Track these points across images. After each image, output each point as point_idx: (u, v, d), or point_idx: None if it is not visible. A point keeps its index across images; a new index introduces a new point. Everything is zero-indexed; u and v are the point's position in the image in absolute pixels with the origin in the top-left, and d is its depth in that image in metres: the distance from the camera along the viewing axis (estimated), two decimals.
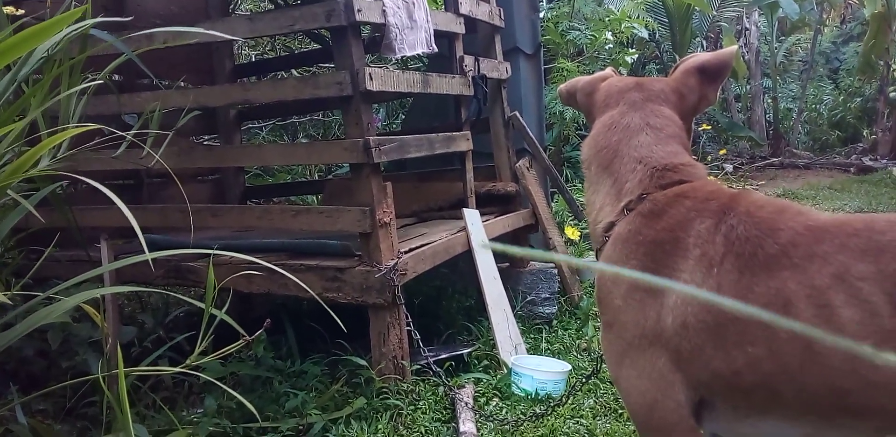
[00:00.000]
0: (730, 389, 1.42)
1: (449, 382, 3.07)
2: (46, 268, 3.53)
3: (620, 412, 2.92)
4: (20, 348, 2.97)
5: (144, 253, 2.04)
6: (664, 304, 1.46)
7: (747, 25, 12.80)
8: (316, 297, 2.42)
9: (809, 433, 1.43)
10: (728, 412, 1.48)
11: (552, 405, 2.92)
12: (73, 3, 2.46)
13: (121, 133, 2.38)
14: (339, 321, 2.24)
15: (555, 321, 4.09)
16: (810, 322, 1.31)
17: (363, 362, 3.00)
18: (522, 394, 3.13)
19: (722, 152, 10.56)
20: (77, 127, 2.06)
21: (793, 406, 1.38)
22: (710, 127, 10.73)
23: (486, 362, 3.44)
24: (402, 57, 3.38)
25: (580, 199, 4.95)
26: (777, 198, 1.66)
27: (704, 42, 11.26)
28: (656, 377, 1.48)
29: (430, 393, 3.06)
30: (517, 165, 4.35)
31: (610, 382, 3.09)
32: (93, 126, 2.10)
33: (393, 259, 3.02)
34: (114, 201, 2.01)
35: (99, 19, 2.21)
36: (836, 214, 1.50)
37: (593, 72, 2.05)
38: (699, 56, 1.78)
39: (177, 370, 2.11)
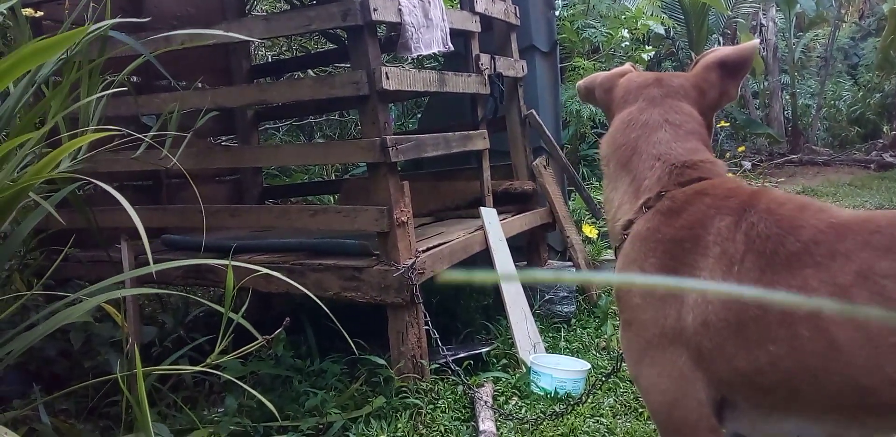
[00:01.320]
0: (751, 387, 1.41)
1: (468, 381, 3.07)
2: (68, 268, 3.57)
3: (641, 410, 2.90)
4: (43, 349, 3.00)
5: (165, 253, 2.06)
6: (684, 302, 1.45)
7: (764, 21, 12.71)
8: (318, 301, 2.42)
9: (832, 432, 1.42)
10: (750, 411, 1.46)
11: (572, 403, 2.91)
12: (91, 5, 2.48)
13: (139, 136, 2.40)
14: (340, 327, 2.24)
15: (573, 320, 4.08)
16: (832, 320, 1.30)
17: (382, 362, 3.00)
18: (542, 393, 3.12)
19: (740, 149, 10.49)
20: (97, 130, 2.08)
21: (815, 405, 1.36)
22: (728, 124, 10.67)
23: (504, 360, 3.44)
24: (419, 56, 3.38)
25: (597, 197, 4.94)
26: (797, 195, 1.65)
27: (721, 38, 11.18)
28: (677, 375, 1.47)
29: (449, 392, 3.06)
30: (534, 163, 4.34)
31: (630, 380, 3.07)
32: (112, 131, 2.11)
33: (411, 258, 3.02)
34: (133, 202, 2.02)
35: (117, 20, 2.23)
36: (857, 211, 1.48)
37: (609, 69, 2.03)
38: (720, 50, 1.75)
39: (197, 369, 2.12)
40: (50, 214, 2.19)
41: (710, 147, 1.70)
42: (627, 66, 1.94)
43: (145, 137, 2.47)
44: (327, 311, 2.23)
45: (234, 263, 2.18)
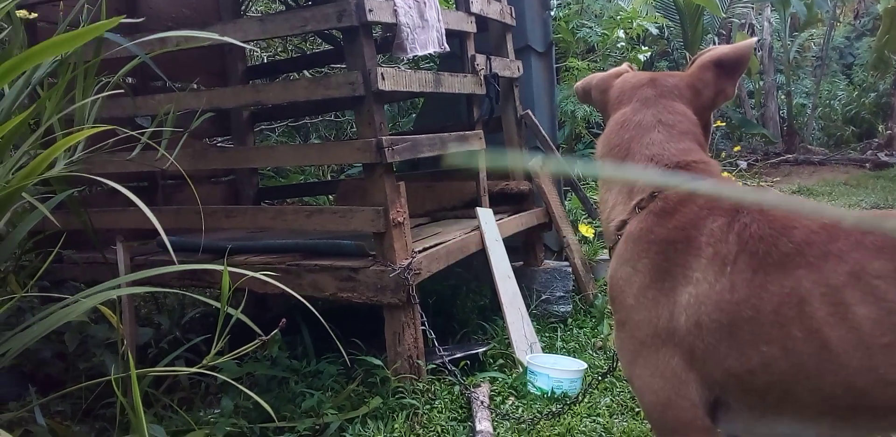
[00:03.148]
0: (744, 388, 1.41)
1: (464, 381, 3.07)
2: (63, 270, 3.57)
3: (637, 410, 2.91)
4: (38, 350, 2.99)
5: (160, 255, 2.05)
6: (677, 303, 1.45)
7: (756, 22, 12.72)
8: (306, 302, 2.42)
9: (826, 434, 1.42)
10: (743, 412, 1.47)
11: (568, 403, 2.91)
12: (86, 6, 2.48)
13: (135, 134, 2.40)
14: (330, 329, 2.24)
15: (570, 320, 4.09)
16: (825, 321, 1.30)
17: (378, 362, 3.01)
18: (538, 393, 3.13)
19: (736, 149, 10.51)
20: (91, 127, 2.07)
21: (808, 406, 1.37)
22: (723, 124, 10.68)
23: (501, 361, 3.44)
24: (414, 56, 3.38)
25: (593, 197, 4.95)
26: (791, 195, 1.65)
27: (716, 38, 11.20)
28: (670, 375, 1.47)
29: (445, 392, 3.06)
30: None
31: (626, 380, 3.08)
32: (107, 127, 2.11)
33: (407, 259, 3.02)
34: (129, 203, 2.02)
35: (113, 19, 2.22)
36: (849, 212, 1.48)
37: (605, 69, 2.03)
38: (716, 49, 1.75)
39: (193, 370, 2.12)
40: (46, 215, 2.18)
41: (705, 147, 1.71)
42: (624, 66, 1.94)
43: (141, 136, 2.46)
44: (316, 313, 2.23)
45: (230, 269, 2.18)
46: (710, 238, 1.46)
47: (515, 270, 3.87)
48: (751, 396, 1.42)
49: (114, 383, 2.04)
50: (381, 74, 2.92)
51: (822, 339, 1.30)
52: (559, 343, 3.74)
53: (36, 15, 2.57)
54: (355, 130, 5.00)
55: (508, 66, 4.16)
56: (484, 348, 3.45)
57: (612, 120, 1.75)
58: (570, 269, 4.32)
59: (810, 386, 1.33)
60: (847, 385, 1.30)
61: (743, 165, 9.94)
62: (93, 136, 2.19)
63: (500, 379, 3.27)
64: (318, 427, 2.77)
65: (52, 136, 2.28)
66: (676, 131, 1.65)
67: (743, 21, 12.52)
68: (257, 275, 2.17)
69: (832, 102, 13.73)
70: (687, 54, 9.27)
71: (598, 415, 2.90)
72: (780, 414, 1.42)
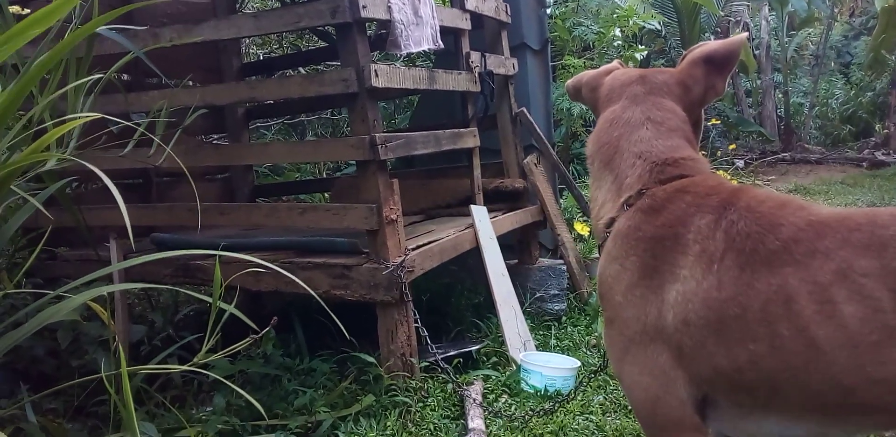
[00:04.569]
0: (732, 386, 1.41)
1: (458, 379, 3.07)
2: (56, 267, 3.57)
3: (630, 408, 2.91)
4: (30, 347, 2.98)
5: (154, 252, 2.05)
6: (665, 300, 1.45)
7: (751, 21, 12.71)
8: (317, 297, 2.42)
9: (814, 431, 1.42)
10: (731, 410, 1.46)
11: (561, 401, 2.91)
12: (80, 2, 2.47)
13: (131, 124, 2.38)
14: (340, 324, 2.23)
15: (564, 318, 4.08)
16: (812, 319, 1.30)
17: (372, 360, 3.00)
18: (531, 391, 3.13)
19: (731, 148, 10.50)
20: (84, 116, 2.06)
21: (796, 404, 1.37)
22: (719, 122, 10.67)
23: (494, 358, 3.44)
24: (409, 53, 3.37)
25: (588, 195, 4.94)
26: (778, 193, 1.65)
27: (713, 36, 11.19)
28: (658, 373, 1.47)
29: (438, 390, 3.06)
30: (525, 161, 4.33)
31: (616, 377, 3.08)
32: (98, 115, 2.09)
33: (400, 256, 3.02)
34: (123, 200, 2.01)
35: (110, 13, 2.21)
36: (838, 209, 1.48)
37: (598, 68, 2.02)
38: (706, 45, 1.74)
39: (184, 367, 2.12)
40: (38, 212, 2.17)
41: (694, 143, 1.70)
42: (615, 63, 1.93)
43: (138, 127, 2.45)
44: (326, 308, 2.22)
45: (223, 253, 2.17)
46: (697, 235, 1.46)
47: (510, 268, 3.87)
48: (739, 393, 1.42)
49: (105, 380, 2.03)
50: (375, 70, 2.92)
51: (810, 337, 1.30)
52: (553, 341, 3.74)
53: (28, 10, 2.56)
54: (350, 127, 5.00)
55: (503, 64, 4.15)
56: (477, 346, 3.45)
57: (602, 117, 1.75)
58: (564, 267, 4.32)
59: (798, 384, 1.33)
60: (834, 383, 1.30)
61: (739, 163, 9.94)
62: (85, 132, 2.18)
63: (494, 377, 3.27)
64: (310, 425, 2.76)
65: (42, 126, 2.27)
66: (665, 128, 1.64)
67: (739, 19, 12.52)
68: (251, 268, 2.17)
69: (829, 100, 13.75)
70: (683, 52, 9.25)
71: (591, 413, 2.90)
72: (768, 412, 1.42)
